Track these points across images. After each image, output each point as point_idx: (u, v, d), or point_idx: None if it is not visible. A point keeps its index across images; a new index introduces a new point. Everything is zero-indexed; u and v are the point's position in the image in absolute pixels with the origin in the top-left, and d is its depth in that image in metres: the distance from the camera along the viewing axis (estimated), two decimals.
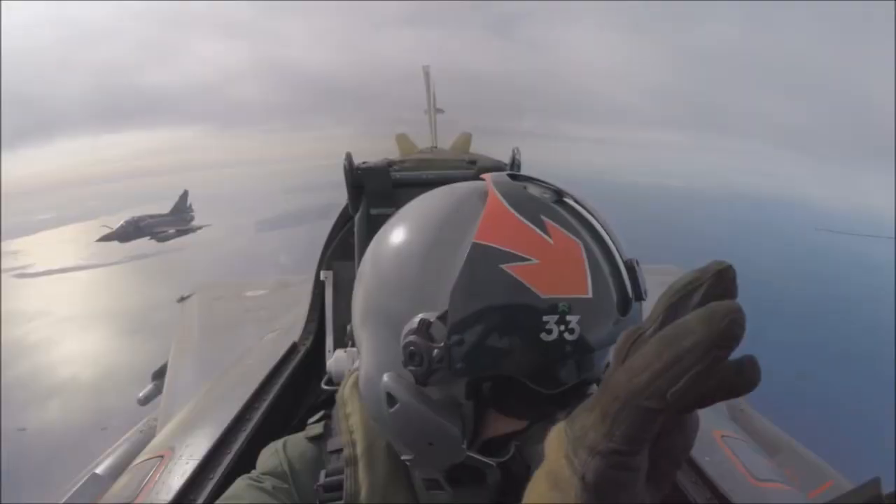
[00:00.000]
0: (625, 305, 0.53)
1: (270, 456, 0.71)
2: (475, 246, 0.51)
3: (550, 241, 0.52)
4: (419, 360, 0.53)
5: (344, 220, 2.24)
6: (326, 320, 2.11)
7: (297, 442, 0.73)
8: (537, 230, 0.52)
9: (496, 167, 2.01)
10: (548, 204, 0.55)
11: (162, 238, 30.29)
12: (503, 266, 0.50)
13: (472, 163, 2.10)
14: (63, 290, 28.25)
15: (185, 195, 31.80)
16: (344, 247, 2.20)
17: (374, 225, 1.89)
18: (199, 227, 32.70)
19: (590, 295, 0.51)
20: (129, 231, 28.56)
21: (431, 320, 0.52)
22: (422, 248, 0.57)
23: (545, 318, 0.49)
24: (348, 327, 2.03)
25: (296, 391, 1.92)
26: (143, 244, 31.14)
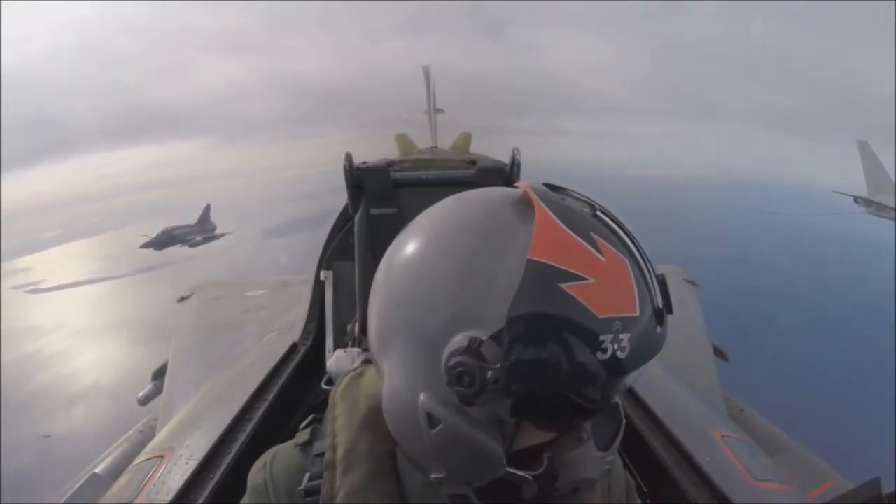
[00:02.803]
0: (660, 319, 0.54)
1: (258, 471, 0.72)
2: (532, 263, 0.50)
3: (602, 259, 0.51)
4: (469, 381, 0.51)
5: (344, 220, 2.24)
6: (326, 320, 2.11)
7: (285, 454, 0.72)
8: (590, 248, 0.51)
9: (496, 167, 2.01)
10: (593, 220, 0.55)
11: (192, 245, 33.19)
12: (562, 285, 0.49)
13: (472, 163, 2.10)
14: (76, 303, 29.04)
15: (207, 208, 34.82)
16: (344, 247, 2.19)
17: (374, 225, 1.89)
18: (223, 234, 35.48)
19: (637, 313, 0.51)
20: (165, 239, 31.82)
21: (483, 339, 0.51)
22: (460, 262, 0.54)
23: (602, 337, 0.49)
24: (348, 327, 2.03)
25: (296, 391, 1.92)
26: (151, 255, 33.28)
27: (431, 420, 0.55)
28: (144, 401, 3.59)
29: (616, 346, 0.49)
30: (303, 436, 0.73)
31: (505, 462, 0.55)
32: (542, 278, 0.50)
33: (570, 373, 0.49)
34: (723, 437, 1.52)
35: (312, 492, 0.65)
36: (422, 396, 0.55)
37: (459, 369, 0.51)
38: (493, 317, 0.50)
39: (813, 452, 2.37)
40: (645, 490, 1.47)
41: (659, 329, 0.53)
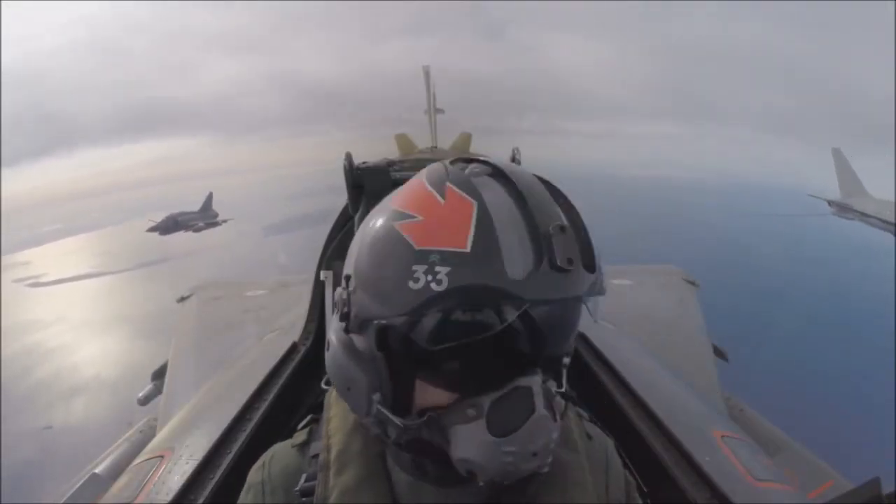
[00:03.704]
0: (529, 270, 0.52)
1: (256, 471, 0.73)
2: (389, 211, 0.58)
3: (442, 201, 0.56)
4: (341, 309, 0.60)
5: (344, 220, 2.24)
6: (326, 320, 2.10)
7: (283, 454, 0.74)
8: (435, 193, 0.57)
9: None
10: (462, 174, 0.58)
11: (196, 230, 34.43)
12: (394, 223, 0.56)
13: None
14: (77, 297, 29.23)
15: (210, 196, 35.86)
16: (344, 247, 2.18)
17: None
18: (224, 221, 36.56)
19: (467, 249, 0.51)
20: (170, 224, 33.00)
21: (350, 274, 0.60)
22: (364, 220, 0.64)
23: (415, 267, 0.52)
24: None
25: (296, 391, 1.92)
26: (150, 251, 34.43)
27: (329, 345, 0.66)
28: (144, 401, 3.59)
29: (430, 277, 0.51)
30: (300, 436, 0.75)
31: (375, 398, 0.60)
32: (384, 220, 0.58)
33: (388, 299, 0.54)
34: (723, 437, 1.52)
35: (308, 493, 0.67)
36: (331, 331, 0.67)
37: (336, 299, 0.62)
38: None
39: (813, 452, 2.37)
40: (645, 490, 1.47)
41: (526, 277, 0.51)
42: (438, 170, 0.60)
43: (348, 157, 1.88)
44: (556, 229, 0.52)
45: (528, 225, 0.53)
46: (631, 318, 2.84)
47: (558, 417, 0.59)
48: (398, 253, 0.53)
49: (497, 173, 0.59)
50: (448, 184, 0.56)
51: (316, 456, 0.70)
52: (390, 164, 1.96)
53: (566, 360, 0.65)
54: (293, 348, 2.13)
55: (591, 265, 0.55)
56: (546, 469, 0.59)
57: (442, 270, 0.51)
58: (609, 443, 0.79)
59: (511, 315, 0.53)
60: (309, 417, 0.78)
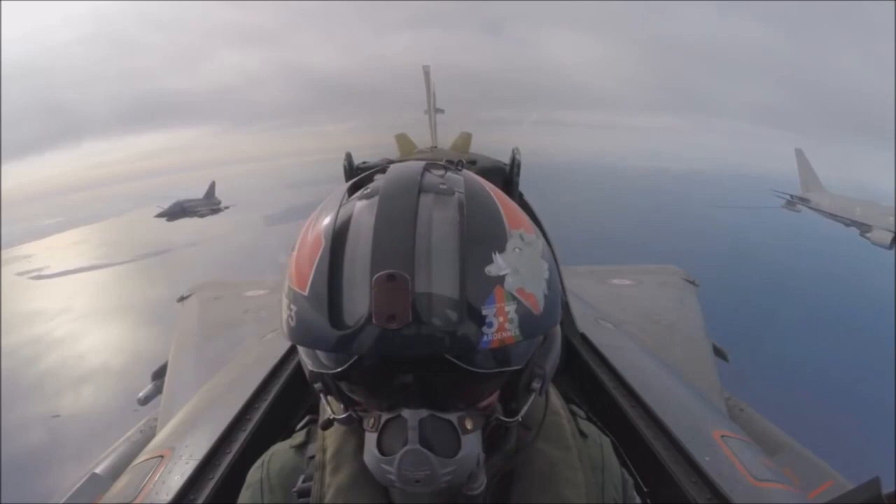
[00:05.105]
0: (358, 320, 0.50)
1: (255, 470, 0.74)
2: None
3: (308, 235, 0.58)
4: None
5: None
6: None
7: (281, 454, 0.75)
8: (307, 226, 0.60)
9: (496, 167, 2.01)
10: (352, 197, 0.60)
11: (201, 215, 35.65)
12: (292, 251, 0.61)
13: (472, 163, 2.09)
14: (80, 289, 29.47)
15: (213, 185, 37.03)
16: None
17: None
18: (227, 207, 37.90)
19: (306, 293, 0.54)
20: (177, 210, 33.96)
21: None
22: None
23: (284, 300, 0.58)
24: None
25: (296, 391, 1.92)
26: (152, 242, 35.29)
27: None
28: (144, 401, 3.59)
29: (289, 313, 0.56)
30: (298, 437, 0.76)
31: (317, 386, 0.65)
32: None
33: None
34: (723, 436, 1.52)
35: (305, 493, 0.68)
36: None
37: None
38: None
39: (813, 452, 2.36)
40: (645, 490, 1.47)
41: (336, 327, 0.51)
42: (337, 195, 0.61)
43: (348, 157, 1.88)
44: (381, 279, 0.49)
45: (371, 268, 0.50)
46: (631, 318, 2.84)
47: (461, 453, 0.55)
48: (285, 286, 0.58)
49: (386, 191, 0.58)
50: (322, 211, 0.59)
51: (313, 457, 0.71)
52: (390, 163, 1.95)
53: (491, 404, 0.62)
54: (293, 348, 2.12)
55: (442, 318, 0.49)
56: (474, 492, 0.59)
57: (293, 309, 0.56)
58: (605, 441, 0.79)
59: (342, 363, 0.55)
60: (307, 419, 0.79)
